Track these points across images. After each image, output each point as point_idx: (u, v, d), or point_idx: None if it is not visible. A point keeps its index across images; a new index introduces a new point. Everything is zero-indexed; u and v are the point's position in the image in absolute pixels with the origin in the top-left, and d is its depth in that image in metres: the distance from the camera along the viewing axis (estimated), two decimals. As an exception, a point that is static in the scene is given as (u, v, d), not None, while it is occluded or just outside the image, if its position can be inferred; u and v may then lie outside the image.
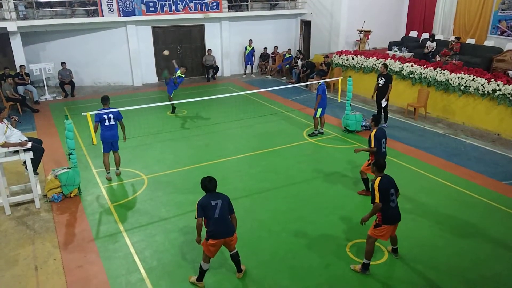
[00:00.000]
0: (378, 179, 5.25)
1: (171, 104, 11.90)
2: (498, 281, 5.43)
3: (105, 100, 7.93)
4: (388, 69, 11.27)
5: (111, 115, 7.85)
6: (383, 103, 11.04)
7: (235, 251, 5.34)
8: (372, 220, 5.45)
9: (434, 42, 14.40)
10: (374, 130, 7.14)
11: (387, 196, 5.22)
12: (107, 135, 7.92)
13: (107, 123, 7.85)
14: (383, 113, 11.26)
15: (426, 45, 14.47)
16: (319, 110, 10.31)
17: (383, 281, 5.42)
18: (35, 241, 6.37)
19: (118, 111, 8.02)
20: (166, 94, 12.37)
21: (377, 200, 5.17)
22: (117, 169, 8.49)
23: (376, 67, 13.66)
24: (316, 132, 10.63)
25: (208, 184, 5.02)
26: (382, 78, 10.87)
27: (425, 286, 5.31)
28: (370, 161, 7.25)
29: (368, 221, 5.40)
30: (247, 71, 18.45)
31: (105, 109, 7.86)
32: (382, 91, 10.97)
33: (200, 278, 5.33)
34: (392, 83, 10.90)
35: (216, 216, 4.94)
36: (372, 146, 7.10)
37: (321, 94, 10.14)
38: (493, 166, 8.85)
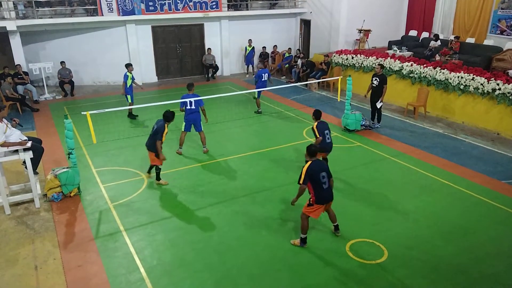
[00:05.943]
0: (309, 163, 5.73)
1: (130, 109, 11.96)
2: (498, 280, 5.44)
3: (190, 86, 9.23)
4: (384, 70, 11.14)
5: (192, 100, 8.97)
6: (378, 105, 10.95)
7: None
8: (305, 200, 6.01)
9: (438, 41, 14.37)
10: (316, 123, 7.81)
11: (318, 179, 5.71)
12: (189, 117, 9.16)
13: (188, 106, 9.05)
14: (376, 113, 11.21)
15: (430, 44, 14.44)
16: None
17: (383, 280, 5.43)
18: (35, 240, 6.37)
19: (200, 98, 9.13)
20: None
21: (301, 181, 5.70)
22: (204, 146, 9.61)
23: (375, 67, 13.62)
24: None
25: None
26: (377, 78, 10.79)
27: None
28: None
29: (297, 202, 5.93)
30: (249, 71, 18.42)
31: (189, 95, 9.06)
32: (376, 92, 10.88)
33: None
34: (387, 84, 10.80)
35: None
36: (318, 136, 7.69)
37: None
38: (492, 165, 8.86)
